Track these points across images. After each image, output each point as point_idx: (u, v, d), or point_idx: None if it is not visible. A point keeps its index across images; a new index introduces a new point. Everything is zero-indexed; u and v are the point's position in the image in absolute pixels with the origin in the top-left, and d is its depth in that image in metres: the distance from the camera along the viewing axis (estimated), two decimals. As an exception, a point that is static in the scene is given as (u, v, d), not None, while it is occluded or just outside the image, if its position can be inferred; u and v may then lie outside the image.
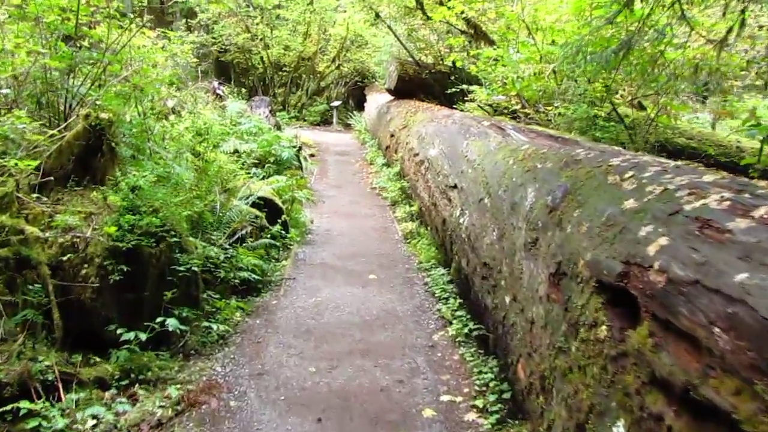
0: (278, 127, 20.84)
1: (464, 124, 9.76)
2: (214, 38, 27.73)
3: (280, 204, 9.70)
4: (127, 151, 7.70)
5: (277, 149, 12.67)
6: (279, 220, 9.27)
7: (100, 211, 6.23)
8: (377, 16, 18.96)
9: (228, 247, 7.78)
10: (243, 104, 18.57)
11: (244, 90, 28.88)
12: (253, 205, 9.05)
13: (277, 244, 9.19)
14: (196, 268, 6.22)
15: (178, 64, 18.89)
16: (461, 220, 7.30)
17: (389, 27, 19.64)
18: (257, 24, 27.03)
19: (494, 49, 12.78)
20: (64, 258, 5.75)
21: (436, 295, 7.95)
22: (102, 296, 5.80)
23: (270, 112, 21.30)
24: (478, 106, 12.27)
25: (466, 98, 15.66)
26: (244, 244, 8.13)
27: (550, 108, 9.42)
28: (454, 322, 6.99)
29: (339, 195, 13.86)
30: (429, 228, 9.73)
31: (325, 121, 27.80)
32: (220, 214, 8.30)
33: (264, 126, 17.34)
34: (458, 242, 7.38)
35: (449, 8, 13.73)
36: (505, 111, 11.19)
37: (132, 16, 12.91)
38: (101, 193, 6.37)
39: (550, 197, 4.88)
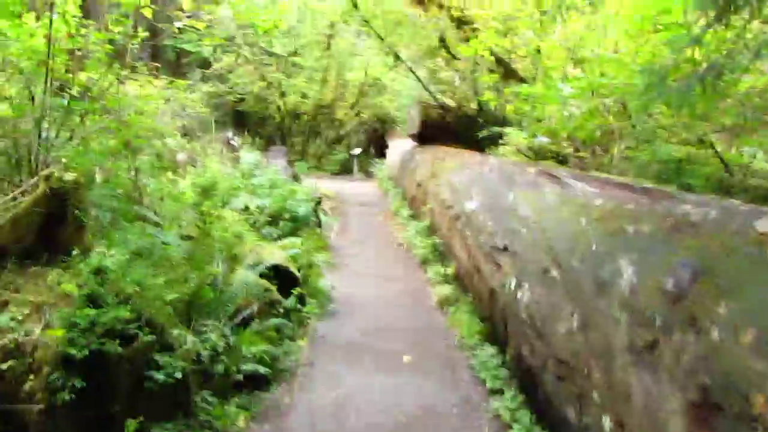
0: (296, 178, 19.49)
1: (505, 172, 8.29)
2: (229, 88, 26.58)
3: (295, 272, 8.21)
4: (106, 217, 6.26)
5: (292, 205, 11.23)
6: (294, 292, 7.76)
7: (55, 301, 4.75)
8: (397, 57, 17.62)
9: (229, 332, 6.25)
10: (258, 155, 17.22)
11: (260, 140, 27.69)
12: (263, 275, 7.55)
13: (291, 321, 7.68)
14: (179, 374, 4.70)
15: (187, 114, 17.69)
16: (518, 294, 5.74)
17: (410, 68, 18.28)
18: (273, 72, 25.85)
19: (529, 85, 11.35)
20: (4, 366, 4.30)
21: (486, 384, 6.36)
22: (54, 417, 4.31)
23: (287, 162, 19.97)
24: (518, 150, 10.80)
25: (499, 142, 14.22)
26: (250, 326, 6.59)
27: (609, 152, 7.91)
28: (515, 426, 5.40)
29: (362, 252, 12.35)
30: (470, 294, 8.18)
31: (345, 170, 26.44)
32: (222, 290, 6.81)
33: (279, 178, 15.98)
34: (515, 322, 5.81)
35: (480, 42, 12.32)
36: (549, 155, 9.71)
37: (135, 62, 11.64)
38: (58, 277, 4.90)
39: (670, 279, 3.34)
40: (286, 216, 11.15)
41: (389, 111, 27.45)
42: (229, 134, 19.56)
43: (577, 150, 8.26)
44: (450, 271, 9.06)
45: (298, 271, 8.67)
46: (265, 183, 12.34)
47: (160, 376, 4.58)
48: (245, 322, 6.60)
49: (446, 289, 9.07)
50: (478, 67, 16.80)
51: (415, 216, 14.21)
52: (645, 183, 5.88)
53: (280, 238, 10.79)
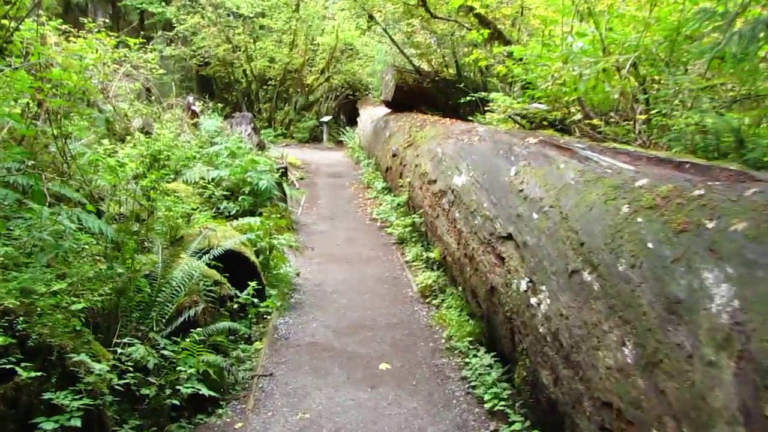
0: (261, 147, 18.02)
1: (500, 142, 6.97)
2: (192, 51, 24.86)
3: (253, 258, 6.84)
4: (7, 197, 4.84)
5: (253, 177, 9.80)
6: (251, 283, 6.40)
7: None
8: (371, 18, 16.14)
9: (165, 341, 4.89)
10: (219, 122, 15.70)
11: (226, 106, 26.07)
12: (213, 264, 6.17)
13: (248, 318, 6.34)
14: (77, 421, 3.35)
15: (144, 77, 16.12)
16: (533, 300, 4.44)
17: (384, 30, 16.83)
18: (239, 34, 24.16)
19: (522, 45, 10.00)
20: None
21: (484, 403, 5.09)
22: None
23: (253, 129, 18.45)
24: (510, 117, 9.45)
25: (483, 110, 12.91)
26: (192, 331, 5.20)
27: (626, 119, 6.56)
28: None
29: (332, 230, 10.99)
30: (459, 286, 6.88)
31: (314, 138, 24.93)
32: (159, 286, 5.43)
33: (241, 147, 14.52)
34: (529, 335, 4.52)
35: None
36: (546, 124, 8.39)
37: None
38: None
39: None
40: (246, 190, 9.73)
41: (361, 77, 25.89)
42: (190, 99, 17.96)
43: (587, 117, 6.95)
44: (434, 255, 7.75)
45: (257, 256, 7.31)
46: (222, 152, 10.87)
47: (48, 426, 3.23)
48: (187, 327, 5.22)
49: (429, 277, 7.77)
50: (457, 28, 15.39)
51: (390, 189, 12.86)
52: (691, 159, 4.58)
53: (237, 215, 9.40)
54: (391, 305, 7.45)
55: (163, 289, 5.46)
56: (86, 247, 4.74)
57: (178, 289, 5.48)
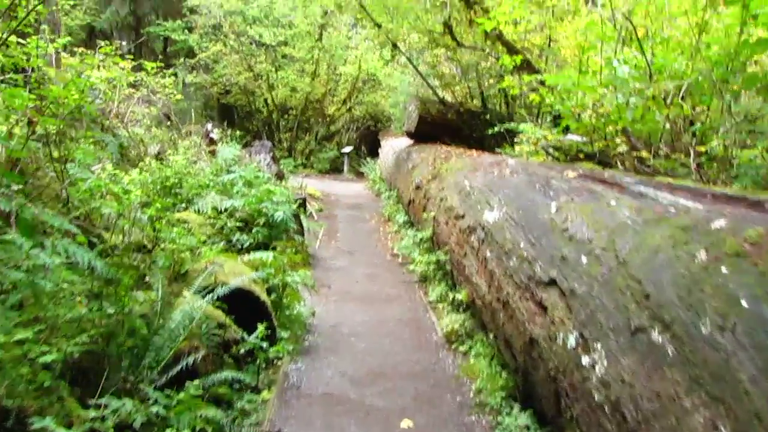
0: (280, 177, 17.50)
1: (535, 175, 6.36)
2: (214, 79, 24.50)
3: (263, 297, 6.20)
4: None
5: (268, 207, 9.20)
6: (260, 324, 5.76)
7: None
8: (395, 47, 15.62)
9: (158, 394, 4.25)
10: (237, 150, 15.18)
11: (247, 135, 25.66)
12: (221, 301, 5.55)
13: (255, 363, 5.69)
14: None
15: (162, 103, 15.67)
16: (585, 360, 3.77)
17: (408, 60, 16.31)
18: (260, 62, 23.78)
19: (543, 74, 9.41)
20: None
21: (522, 475, 4.41)
22: None
23: (272, 158, 17.96)
24: (543, 149, 8.81)
25: (510, 142, 12.31)
26: (191, 382, 4.56)
27: (678, 152, 5.90)
28: None
29: (351, 266, 10.35)
30: (490, 332, 6.20)
31: (335, 169, 24.40)
32: (156, 329, 4.82)
33: (260, 176, 13.99)
34: (579, 400, 3.84)
35: (490, 19, 10.28)
36: (583, 155, 7.74)
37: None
38: None
39: None
40: (261, 221, 9.13)
41: (383, 108, 25.41)
42: (209, 126, 17.52)
43: (633, 148, 6.29)
44: (460, 296, 7.07)
45: (269, 294, 6.69)
46: (237, 180, 10.29)
47: None
48: (186, 376, 4.59)
49: (455, 320, 7.10)
50: (483, 57, 14.85)
51: (412, 223, 12.23)
52: (764, 195, 3.93)
53: (251, 248, 8.79)
54: (414, 351, 6.78)
55: (160, 332, 4.84)
56: (66, 285, 4.12)
57: (177, 332, 4.86)
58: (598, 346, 3.64)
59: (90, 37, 25.68)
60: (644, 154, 6.03)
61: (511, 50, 12.44)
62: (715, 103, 5.60)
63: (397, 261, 10.67)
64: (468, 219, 7.40)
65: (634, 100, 5.78)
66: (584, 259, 4.22)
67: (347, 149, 24.10)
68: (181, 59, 25.52)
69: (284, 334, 6.48)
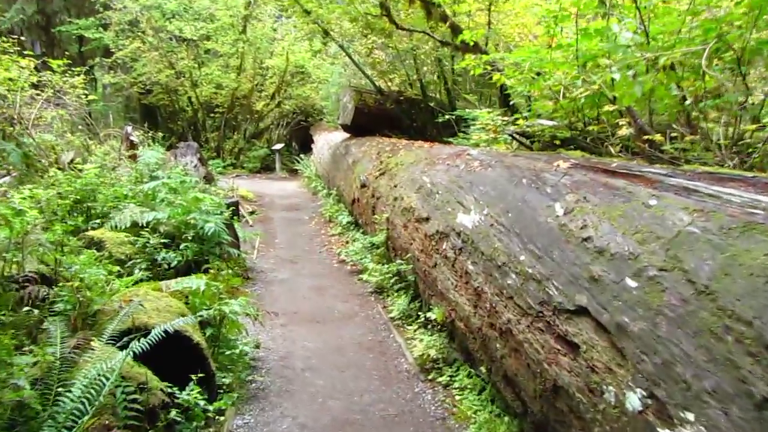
0: (209, 180, 16.02)
1: (516, 167, 5.27)
2: (133, 78, 22.69)
3: (196, 338, 4.85)
4: None
5: (197, 218, 7.83)
6: (194, 376, 4.46)
7: None
8: (326, 34, 14.30)
9: None
10: (160, 153, 13.67)
11: (172, 137, 23.94)
12: (145, 353, 4.19)
13: (191, 426, 4.38)
14: None
15: (73, 105, 14.04)
16: (666, 436, 2.62)
17: (341, 47, 15.02)
18: (182, 59, 22.08)
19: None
20: None
21: None
22: None
23: (199, 160, 16.43)
24: (510, 136, 7.66)
25: (460, 130, 11.25)
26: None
27: (697, 134, 4.77)
28: None
29: (295, 277, 9.03)
30: (481, 365, 4.99)
31: (266, 168, 22.92)
32: (54, 401, 3.49)
33: (187, 180, 12.55)
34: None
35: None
36: (558, 142, 6.62)
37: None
38: None
39: None
40: (190, 235, 7.75)
41: (314, 101, 23.97)
42: (128, 129, 15.85)
43: (641, 131, 5.16)
44: (433, 315, 5.86)
45: (204, 328, 5.36)
46: (161, 189, 8.87)
47: None
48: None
49: (429, 344, 5.88)
50: (423, 41, 13.69)
51: (358, 224, 10.99)
52: None
53: (180, 267, 7.44)
54: (383, 385, 5.55)
55: (57, 407, 3.51)
56: None
57: (80, 406, 3.54)
58: (690, 416, 2.48)
59: (-4, 40, 23.60)
60: (658, 137, 4.91)
61: (456, 31, 11.30)
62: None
63: (346, 269, 9.41)
64: (435, 223, 6.20)
65: (631, 73, 4.65)
66: (631, 283, 3.07)
67: (278, 146, 22.65)
68: (97, 59, 23.62)
69: (225, 378, 5.17)
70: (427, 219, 6.46)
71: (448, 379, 5.44)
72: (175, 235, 7.88)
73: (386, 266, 7.85)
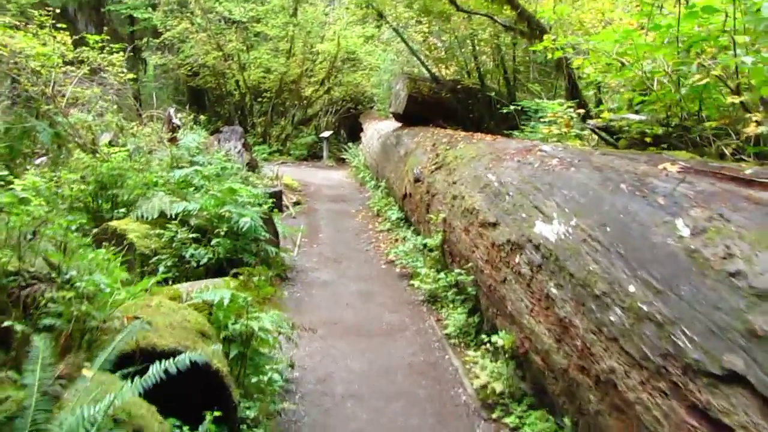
0: (253, 167, 15.25)
1: (610, 170, 4.29)
2: (180, 60, 22.01)
3: (216, 364, 3.95)
4: None
5: (232, 211, 6.95)
6: (209, 413, 3.58)
7: None
8: (380, 16, 13.36)
9: None
10: (201, 137, 12.90)
11: (219, 121, 23.24)
12: (149, 386, 3.31)
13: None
14: None
15: (114, 85, 13.32)
16: None
17: (396, 31, 14.04)
18: (230, 41, 21.30)
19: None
20: None
21: None
22: None
23: (243, 146, 15.66)
24: (592, 130, 6.63)
25: (521, 123, 10.28)
26: None
27: None
28: None
29: (339, 279, 8.13)
30: (564, 415, 4.01)
31: (313, 155, 22.06)
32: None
33: (228, 167, 11.76)
34: None
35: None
36: (649, 139, 5.58)
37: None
38: None
39: None
40: (223, 229, 6.88)
41: (364, 89, 22.95)
42: (171, 111, 15.11)
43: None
44: (501, 341, 4.88)
45: (228, 344, 4.47)
46: (194, 176, 8.02)
47: None
48: None
49: (494, 374, 4.91)
50: (483, 27, 12.65)
51: (409, 221, 10.03)
52: None
53: (210, 266, 6.59)
54: (439, 423, 4.60)
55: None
56: None
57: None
58: None
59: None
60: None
61: (523, 16, 10.27)
62: None
63: (395, 271, 8.47)
64: (505, 230, 5.21)
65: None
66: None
67: (326, 134, 21.75)
68: (144, 39, 22.99)
69: (250, 411, 4.27)
70: (495, 225, 5.47)
71: (517, 420, 4.47)
72: (207, 228, 7.02)
73: (442, 274, 6.88)
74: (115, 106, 14.42)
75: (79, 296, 3.73)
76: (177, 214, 6.95)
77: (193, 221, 7.00)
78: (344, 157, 20.14)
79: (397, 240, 9.84)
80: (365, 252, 9.57)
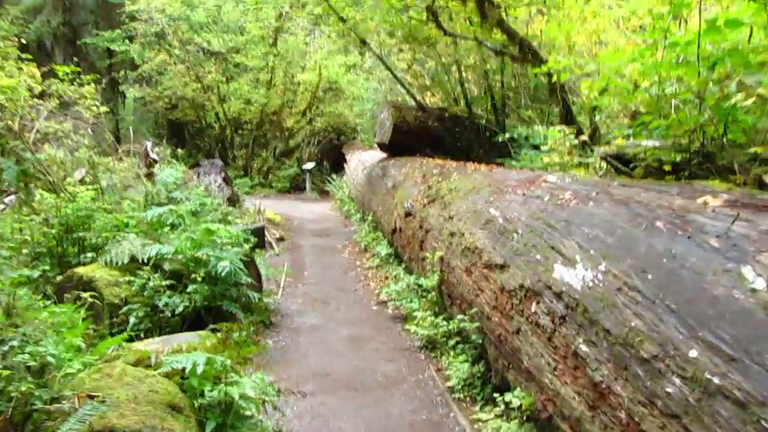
0: (234, 202, 14.62)
1: (642, 205, 3.74)
2: (159, 92, 21.39)
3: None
4: None
5: (210, 254, 6.31)
6: None
7: None
8: (363, 43, 12.83)
9: None
10: (179, 172, 12.27)
11: (199, 154, 22.61)
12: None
13: None
14: None
15: (88, 119, 12.70)
16: None
17: (379, 57, 13.53)
18: (209, 72, 20.72)
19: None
20: None
21: None
22: None
23: (223, 180, 15.04)
24: (604, 159, 6.07)
25: (512, 152, 9.84)
26: None
27: None
28: None
29: (327, 324, 7.48)
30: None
31: (296, 188, 21.41)
32: None
33: (208, 202, 11.13)
34: None
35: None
36: (668, 168, 5.04)
37: None
38: None
39: None
40: (200, 274, 6.23)
41: (347, 119, 22.38)
42: (148, 145, 14.45)
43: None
44: (517, 400, 4.26)
45: (205, 417, 3.81)
46: (168, 216, 7.37)
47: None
48: None
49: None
50: (468, 52, 12.19)
51: (399, 257, 9.43)
52: None
53: (186, 315, 5.95)
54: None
55: None
56: None
57: None
58: None
59: (21, 51, 22.32)
60: None
61: (513, 38, 9.78)
62: None
63: (387, 313, 7.85)
64: (516, 273, 4.61)
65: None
66: None
67: (309, 165, 21.14)
68: (121, 72, 22.36)
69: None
70: (503, 267, 4.87)
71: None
72: (183, 273, 6.37)
73: (441, 319, 6.26)
74: (86, 141, 13.78)
75: (20, 372, 3.09)
76: (150, 259, 6.30)
77: (167, 266, 6.34)
78: (328, 189, 19.53)
79: (387, 278, 9.23)
80: (354, 292, 8.93)
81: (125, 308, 5.83)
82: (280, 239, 12.66)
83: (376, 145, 14.55)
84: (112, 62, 24.23)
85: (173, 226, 7.41)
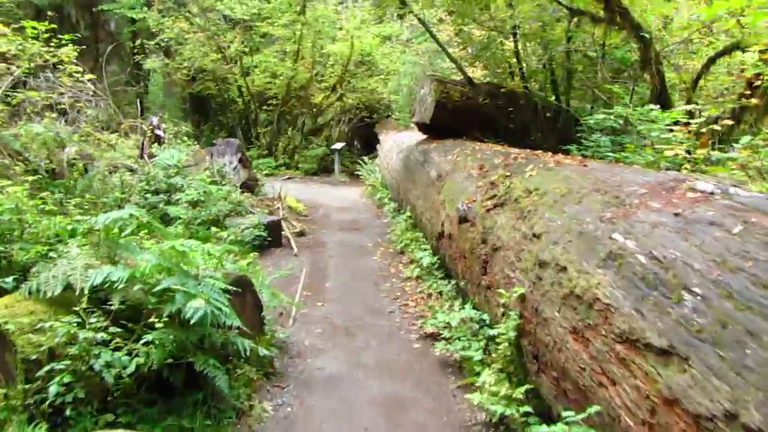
0: (251, 187, 12.55)
1: None
2: (177, 64, 19.32)
3: None
4: None
5: (177, 286, 4.12)
6: None
7: None
8: (403, 3, 10.56)
9: None
10: (182, 153, 10.17)
11: (222, 131, 20.62)
12: None
13: None
14: None
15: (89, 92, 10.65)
16: None
17: (420, 20, 11.21)
18: (231, 42, 18.55)
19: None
20: None
21: None
22: None
23: (240, 161, 12.92)
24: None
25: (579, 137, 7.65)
26: None
27: None
28: None
29: (351, 372, 5.30)
30: None
31: (323, 169, 19.27)
32: None
33: (213, 192, 9.07)
34: None
35: None
36: None
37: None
38: None
39: None
40: (164, 313, 4.08)
41: (381, 95, 20.05)
42: (154, 120, 12.36)
43: None
44: None
45: None
46: (127, 224, 5.06)
47: None
48: None
49: None
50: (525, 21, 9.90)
51: (446, 269, 7.23)
52: None
53: (139, 381, 3.84)
54: None
55: None
56: None
57: None
58: None
59: (38, 17, 20.26)
60: None
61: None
62: None
63: (434, 355, 5.64)
64: (711, 382, 2.39)
65: None
66: None
67: (338, 146, 18.91)
68: (138, 41, 20.24)
69: None
70: (668, 354, 2.64)
71: None
72: (141, 311, 4.24)
73: (521, 390, 4.05)
74: (88, 114, 11.78)
75: None
76: (94, 288, 4.16)
77: (117, 299, 4.19)
78: (358, 172, 17.32)
79: (431, 295, 7.05)
80: (389, 315, 6.74)
81: (48, 367, 3.73)
82: (301, 234, 10.52)
83: (413, 125, 12.36)
84: (132, 29, 22.16)
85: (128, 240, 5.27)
